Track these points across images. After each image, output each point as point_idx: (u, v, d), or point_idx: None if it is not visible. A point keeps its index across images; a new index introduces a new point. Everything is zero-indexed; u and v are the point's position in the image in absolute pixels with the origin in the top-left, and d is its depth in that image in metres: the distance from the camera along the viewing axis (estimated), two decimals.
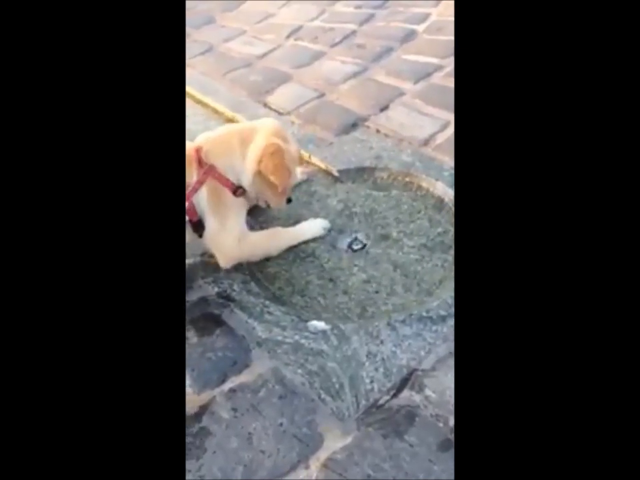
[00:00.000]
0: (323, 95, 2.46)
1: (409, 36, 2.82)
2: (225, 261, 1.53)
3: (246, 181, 1.52)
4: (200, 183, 1.45)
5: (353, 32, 3.02)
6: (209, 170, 1.46)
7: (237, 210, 1.53)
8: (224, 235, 1.49)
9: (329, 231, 1.66)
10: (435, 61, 2.50)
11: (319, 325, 1.36)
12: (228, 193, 1.50)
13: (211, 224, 1.48)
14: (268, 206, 1.65)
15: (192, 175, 1.45)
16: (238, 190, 1.51)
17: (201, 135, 1.58)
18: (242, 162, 1.51)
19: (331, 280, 1.53)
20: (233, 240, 1.50)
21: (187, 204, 1.41)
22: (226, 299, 1.47)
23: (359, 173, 1.90)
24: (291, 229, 1.64)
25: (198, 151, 1.48)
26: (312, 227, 1.66)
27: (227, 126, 1.66)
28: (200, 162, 1.46)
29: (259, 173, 1.50)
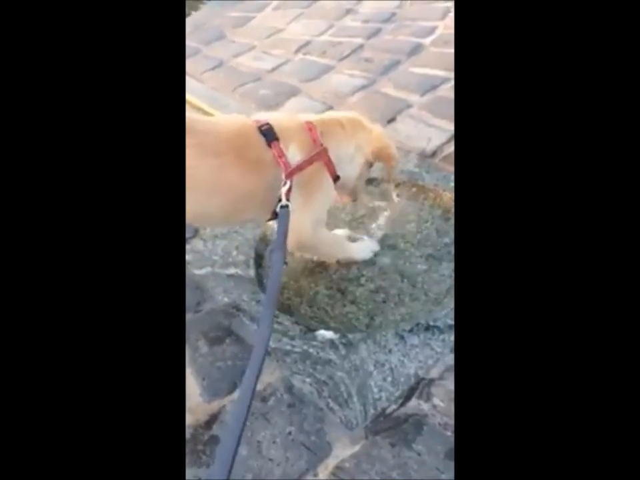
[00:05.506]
0: (331, 107, 2.49)
1: (416, 49, 2.86)
2: (294, 241, 1.42)
3: (352, 170, 1.48)
4: (309, 162, 1.36)
5: (361, 46, 3.07)
6: (322, 152, 1.39)
7: (325, 197, 1.46)
8: (302, 215, 1.38)
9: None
10: (441, 73, 2.53)
11: (327, 334, 1.37)
12: (322, 177, 1.42)
13: (294, 199, 1.34)
14: (354, 200, 1.64)
15: (290, 149, 1.35)
16: (337, 179, 1.46)
17: (305, 114, 1.51)
18: (353, 151, 1.46)
19: (339, 290, 1.55)
20: (310, 223, 1.43)
21: (288, 182, 1.31)
22: (235, 309, 1.50)
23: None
24: (351, 245, 1.62)
25: (312, 129, 1.40)
26: (364, 249, 1.62)
27: (328, 113, 1.58)
28: (315, 141, 1.39)
29: (366, 163, 1.48)
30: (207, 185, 1.31)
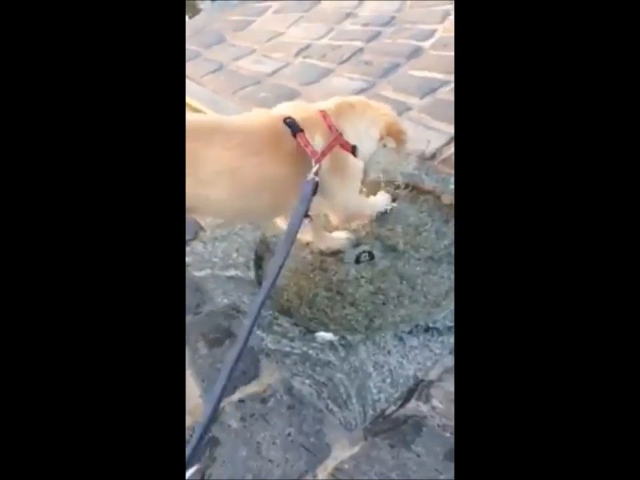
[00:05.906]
0: None
1: (416, 52, 2.87)
2: (343, 216, 1.61)
3: (369, 145, 1.57)
4: (330, 148, 1.45)
5: (360, 49, 3.08)
6: (338, 137, 1.47)
7: (354, 171, 1.55)
8: (344, 191, 1.54)
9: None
10: (440, 76, 2.54)
11: (327, 336, 1.38)
12: (344, 157, 1.50)
13: (330, 184, 1.47)
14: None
15: (315, 138, 1.44)
16: (354, 151, 1.54)
17: (320, 103, 1.59)
18: (366, 126, 1.55)
19: (338, 292, 1.55)
20: (353, 195, 1.56)
21: (315, 167, 1.39)
22: (235, 310, 1.50)
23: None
24: (370, 202, 1.75)
25: (326, 117, 1.49)
26: (380, 203, 1.77)
27: (336, 98, 1.62)
28: (330, 128, 1.47)
29: (381, 138, 1.58)
30: (253, 183, 1.40)
